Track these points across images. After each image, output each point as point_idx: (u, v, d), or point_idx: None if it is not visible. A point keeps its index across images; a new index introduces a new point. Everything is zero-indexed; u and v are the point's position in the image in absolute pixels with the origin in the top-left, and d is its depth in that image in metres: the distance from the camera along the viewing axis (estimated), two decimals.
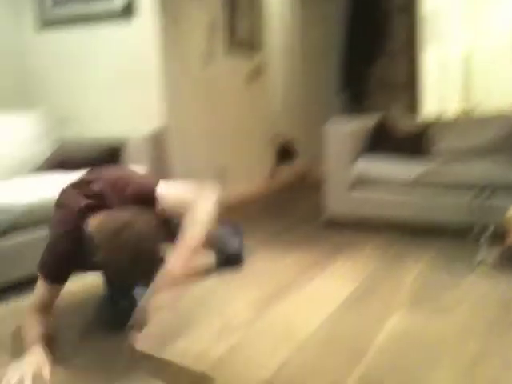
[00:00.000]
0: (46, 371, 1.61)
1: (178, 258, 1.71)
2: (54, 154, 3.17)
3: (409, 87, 5.40)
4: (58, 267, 1.75)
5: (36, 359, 1.63)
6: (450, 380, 1.56)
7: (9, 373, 1.58)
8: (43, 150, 3.20)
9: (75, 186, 1.88)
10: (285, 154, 5.57)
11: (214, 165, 4.22)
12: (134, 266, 1.52)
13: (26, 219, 2.44)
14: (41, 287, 1.76)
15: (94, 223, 1.61)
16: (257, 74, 4.86)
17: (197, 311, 2.13)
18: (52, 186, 2.39)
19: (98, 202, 1.75)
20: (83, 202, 1.75)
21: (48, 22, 3.64)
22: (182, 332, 1.93)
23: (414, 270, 2.58)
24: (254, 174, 4.88)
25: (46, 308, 1.77)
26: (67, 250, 1.73)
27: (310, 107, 5.70)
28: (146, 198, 1.79)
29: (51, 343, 1.74)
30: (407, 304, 2.15)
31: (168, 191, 1.85)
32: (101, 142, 3.16)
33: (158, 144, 3.18)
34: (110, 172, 1.95)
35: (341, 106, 5.53)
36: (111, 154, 3.12)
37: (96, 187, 1.82)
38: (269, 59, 5.12)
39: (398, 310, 2.09)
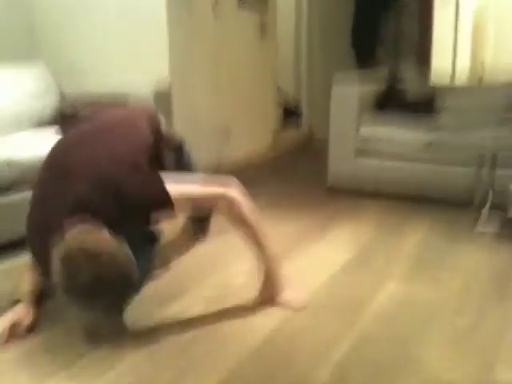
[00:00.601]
0: (26, 321, 1.70)
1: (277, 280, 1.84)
2: (60, 109, 3.15)
3: (421, 42, 5.28)
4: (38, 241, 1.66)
5: (20, 310, 1.71)
6: (439, 350, 1.58)
7: None
8: (47, 104, 3.17)
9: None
10: (290, 114, 5.50)
11: (217, 124, 4.17)
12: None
13: (29, 175, 2.44)
14: None
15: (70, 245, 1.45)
16: (265, 29, 4.75)
17: (195, 275, 2.14)
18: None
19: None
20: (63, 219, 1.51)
21: None
22: (176, 296, 1.94)
23: (414, 238, 2.58)
24: (258, 135, 4.83)
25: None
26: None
27: (318, 66, 5.58)
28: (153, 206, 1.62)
29: (41, 299, 1.79)
30: (404, 271, 2.16)
31: (184, 193, 1.66)
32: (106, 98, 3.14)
33: (163, 101, 3.15)
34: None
35: (351, 63, 5.41)
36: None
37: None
38: (277, 15, 4.99)
39: (395, 277, 2.10)
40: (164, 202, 1.59)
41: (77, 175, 1.61)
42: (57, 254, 1.44)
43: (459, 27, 7.33)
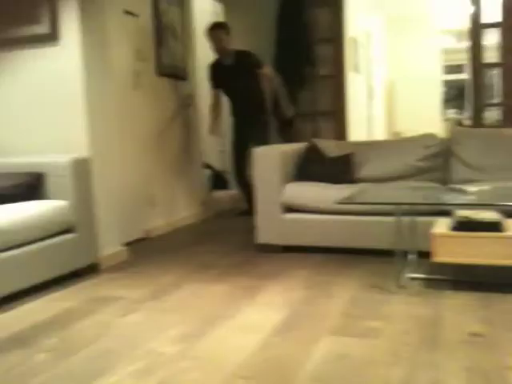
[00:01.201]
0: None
1: None
2: None
3: (336, 115, 5.52)
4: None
5: None
6: None
7: None
8: None
9: None
10: (218, 181, 5.55)
11: (142, 192, 4.13)
12: None
13: None
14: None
15: None
16: (187, 103, 4.84)
17: (120, 349, 2.02)
18: None
19: None
20: None
21: None
22: (104, 371, 1.82)
23: (344, 292, 2.58)
24: (185, 202, 4.81)
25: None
26: None
27: None
28: None
29: None
30: (336, 326, 2.14)
31: None
32: (22, 169, 3.03)
33: (81, 172, 3.07)
34: None
35: (273, 133, 5.58)
36: (33, 182, 3.00)
37: None
38: (197, 89, 5.11)
39: (327, 333, 2.07)
40: None
41: None
42: None
43: (373, 100, 7.81)
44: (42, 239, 2.82)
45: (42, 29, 3.20)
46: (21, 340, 2.13)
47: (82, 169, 3.08)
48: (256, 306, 2.45)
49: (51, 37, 3.19)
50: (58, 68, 3.23)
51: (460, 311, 2.27)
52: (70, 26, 3.17)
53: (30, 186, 3.00)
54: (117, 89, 3.77)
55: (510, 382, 1.63)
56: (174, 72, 4.64)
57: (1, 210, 2.67)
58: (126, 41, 4.02)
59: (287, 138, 5.20)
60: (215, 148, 5.69)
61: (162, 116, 4.48)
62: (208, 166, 5.45)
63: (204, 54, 5.48)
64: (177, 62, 4.69)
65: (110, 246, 3.36)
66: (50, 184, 3.05)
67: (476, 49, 5.04)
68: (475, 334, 2.00)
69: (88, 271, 3.10)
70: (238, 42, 5.68)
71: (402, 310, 2.31)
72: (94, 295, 2.70)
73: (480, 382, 1.64)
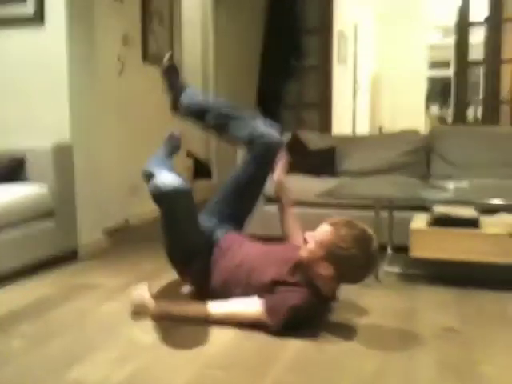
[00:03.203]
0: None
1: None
2: None
3: (321, 107, 5.54)
4: None
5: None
6: None
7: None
8: None
9: None
10: (200, 169, 5.54)
11: (124, 180, 4.11)
12: None
13: None
14: None
15: None
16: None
17: (97, 336, 2.02)
18: None
19: None
20: None
21: None
22: (80, 359, 1.82)
23: None
24: None
25: None
26: None
27: None
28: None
29: None
30: None
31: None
32: (2, 153, 3.00)
33: (61, 157, 3.04)
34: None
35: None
36: (13, 167, 2.98)
37: None
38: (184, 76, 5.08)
39: None
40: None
41: None
42: None
43: (357, 93, 7.84)
44: (21, 224, 2.80)
45: (27, 9, 3.15)
46: None
47: (63, 154, 3.06)
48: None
49: (36, 17, 3.14)
50: (42, 50, 3.18)
51: (435, 306, 2.31)
52: (56, 8, 3.12)
53: (11, 171, 2.97)
54: (102, 74, 3.73)
55: (479, 375, 1.67)
56: (161, 59, 4.60)
57: None
58: (113, 25, 3.97)
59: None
60: (199, 136, 5.67)
61: (146, 103, 4.45)
62: (191, 155, 5.43)
63: (191, 42, 5.46)
64: (163, 48, 4.65)
65: (90, 233, 3.34)
66: (31, 169, 3.02)
67: (462, 45, 5.09)
68: (448, 329, 2.04)
69: (67, 258, 3.08)
70: (227, 29, 5.67)
71: (379, 303, 2.34)
72: (73, 282, 2.69)
73: (450, 374, 1.67)
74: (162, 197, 2.12)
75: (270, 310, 1.96)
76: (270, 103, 5.47)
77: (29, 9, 3.15)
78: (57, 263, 2.99)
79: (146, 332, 2.03)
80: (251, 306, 2.02)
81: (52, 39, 3.15)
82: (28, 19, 3.17)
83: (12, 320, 2.18)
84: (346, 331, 2.02)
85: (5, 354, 1.86)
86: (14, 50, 3.24)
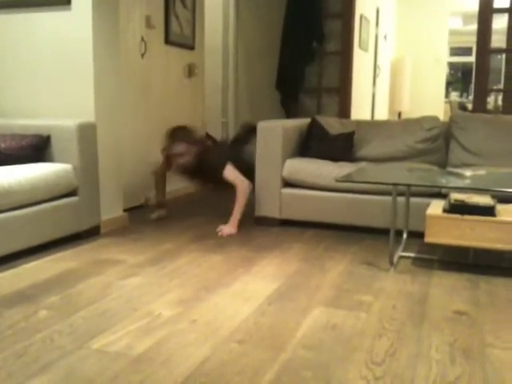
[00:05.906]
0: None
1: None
2: None
3: (340, 92, 5.54)
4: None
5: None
6: (362, 373, 1.63)
7: None
8: None
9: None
10: None
11: (145, 161, 4.18)
12: None
13: None
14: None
15: None
16: (192, 71, 4.85)
17: (120, 309, 2.11)
18: None
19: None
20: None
21: None
22: (104, 329, 1.90)
23: (337, 267, 2.67)
24: None
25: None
26: None
27: (245, 106, 5.75)
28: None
29: None
30: (328, 299, 2.22)
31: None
32: (28, 131, 3.09)
33: (86, 135, 3.12)
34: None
35: (276, 104, 5.60)
36: (39, 144, 3.06)
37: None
38: (204, 58, 5.12)
39: (319, 305, 2.16)
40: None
41: None
42: None
43: (377, 79, 7.79)
44: (47, 201, 2.89)
45: None
46: (23, 297, 2.22)
47: (87, 133, 3.13)
48: (252, 275, 2.53)
49: (63, 0, 3.20)
50: (68, 33, 3.25)
51: (447, 290, 2.35)
52: None
53: (36, 148, 3.06)
54: (125, 56, 3.79)
55: (489, 358, 1.72)
56: (183, 41, 4.64)
57: (7, 171, 2.73)
58: (137, 8, 4.01)
59: (289, 112, 5.22)
60: (218, 119, 5.71)
61: (168, 85, 4.50)
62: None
63: (212, 24, 5.47)
64: (185, 30, 4.69)
65: (112, 211, 3.43)
66: (56, 147, 3.11)
67: (484, 32, 5.03)
68: (460, 313, 2.09)
69: (90, 234, 3.17)
70: (249, 11, 5.67)
71: (392, 286, 2.40)
72: (96, 257, 2.79)
73: (461, 356, 1.72)
74: None
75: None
76: (289, 87, 5.48)
77: None
78: (80, 239, 3.10)
79: (166, 306, 2.12)
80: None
81: (78, 22, 3.21)
82: (55, 2, 3.23)
83: (38, 292, 2.27)
84: (359, 311, 2.09)
85: (33, 323, 1.96)
86: (41, 32, 3.31)
